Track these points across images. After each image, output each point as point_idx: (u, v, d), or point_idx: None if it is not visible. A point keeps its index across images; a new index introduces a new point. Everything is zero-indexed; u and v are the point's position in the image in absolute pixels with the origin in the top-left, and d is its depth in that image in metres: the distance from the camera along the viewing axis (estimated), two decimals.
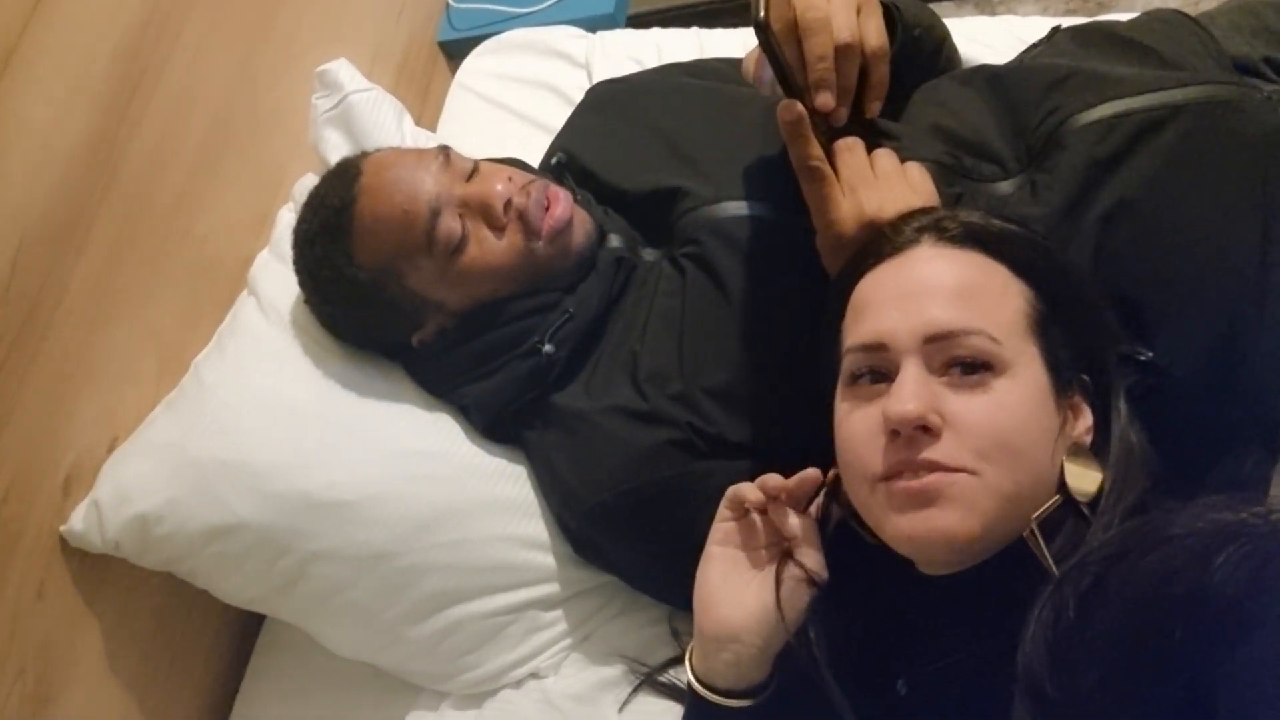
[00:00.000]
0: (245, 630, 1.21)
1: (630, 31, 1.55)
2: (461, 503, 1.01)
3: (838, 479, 0.77)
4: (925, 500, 0.66)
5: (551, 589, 1.03)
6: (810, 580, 0.76)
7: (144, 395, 1.08)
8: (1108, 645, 0.60)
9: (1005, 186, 0.94)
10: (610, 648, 1.04)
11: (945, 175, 0.92)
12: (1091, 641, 0.60)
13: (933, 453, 0.66)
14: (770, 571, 0.77)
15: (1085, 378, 0.75)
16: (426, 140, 1.32)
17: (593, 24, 1.60)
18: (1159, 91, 0.89)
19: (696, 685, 0.78)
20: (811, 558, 0.77)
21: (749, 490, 0.78)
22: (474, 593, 1.02)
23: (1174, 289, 0.88)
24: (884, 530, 0.70)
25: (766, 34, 0.80)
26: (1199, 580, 0.56)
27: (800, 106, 0.81)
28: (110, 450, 1.04)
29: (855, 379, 0.73)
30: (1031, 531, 0.68)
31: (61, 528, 0.99)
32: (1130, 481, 0.71)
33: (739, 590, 0.77)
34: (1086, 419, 0.74)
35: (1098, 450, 0.73)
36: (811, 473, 0.77)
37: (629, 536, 0.96)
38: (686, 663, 0.80)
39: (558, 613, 1.05)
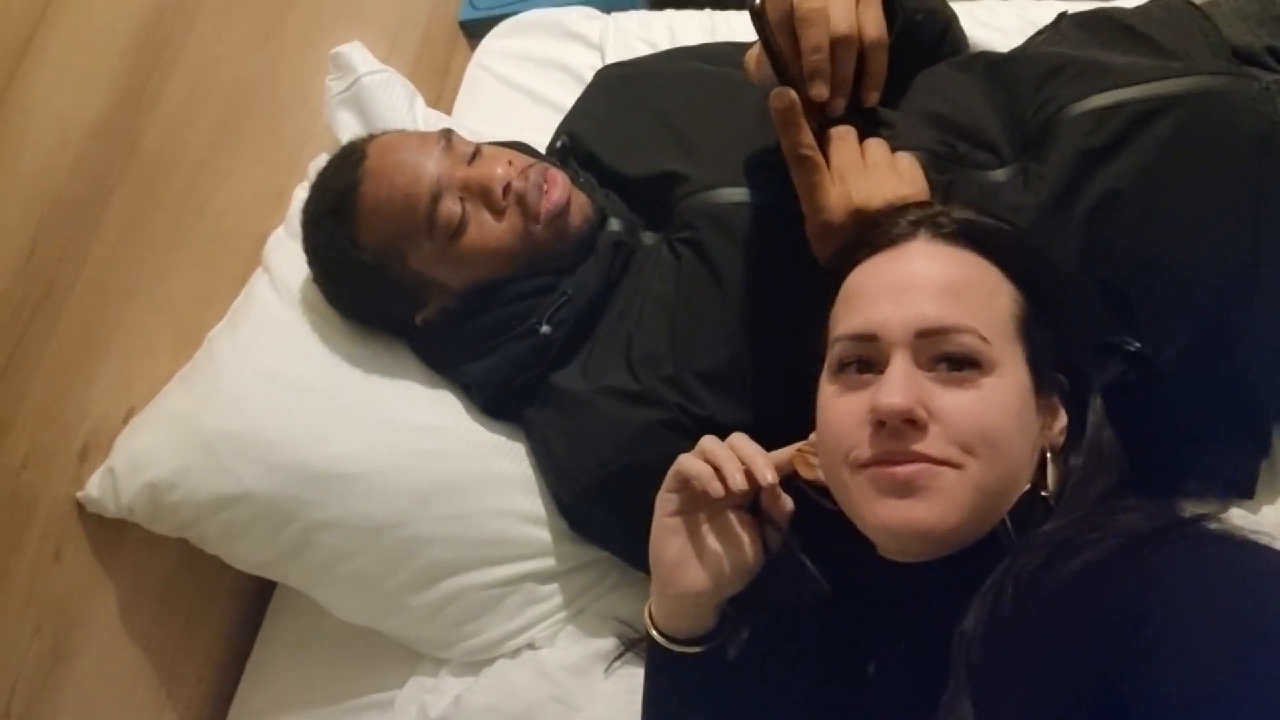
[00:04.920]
0: (257, 594, 1.25)
1: (643, 14, 1.56)
2: (461, 477, 1.04)
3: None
4: (908, 490, 0.67)
5: (548, 563, 1.06)
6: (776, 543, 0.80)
7: (160, 368, 1.12)
8: (1032, 634, 0.61)
9: (999, 175, 0.94)
10: (604, 621, 1.07)
11: (937, 163, 0.93)
12: (1021, 627, 0.62)
13: (918, 445, 0.67)
14: (720, 531, 0.81)
15: (1062, 379, 0.76)
16: (439, 121, 1.34)
17: (613, 4, 1.61)
18: (1153, 82, 0.89)
19: (663, 640, 0.83)
20: (781, 530, 0.81)
21: (702, 474, 0.80)
22: (472, 564, 1.05)
23: (1162, 281, 0.88)
24: (861, 516, 0.71)
25: (762, 22, 0.81)
26: (1117, 585, 0.58)
27: (792, 94, 0.81)
28: (126, 420, 1.08)
29: (843, 367, 0.73)
30: (1003, 523, 0.70)
31: (78, 494, 1.03)
32: (1096, 479, 0.73)
33: (696, 556, 0.81)
34: (1062, 420, 0.75)
35: (1071, 451, 0.75)
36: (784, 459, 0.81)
37: (620, 514, 0.98)
38: (646, 618, 0.84)
39: (554, 586, 1.07)
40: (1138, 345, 0.88)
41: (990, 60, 1.02)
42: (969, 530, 0.69)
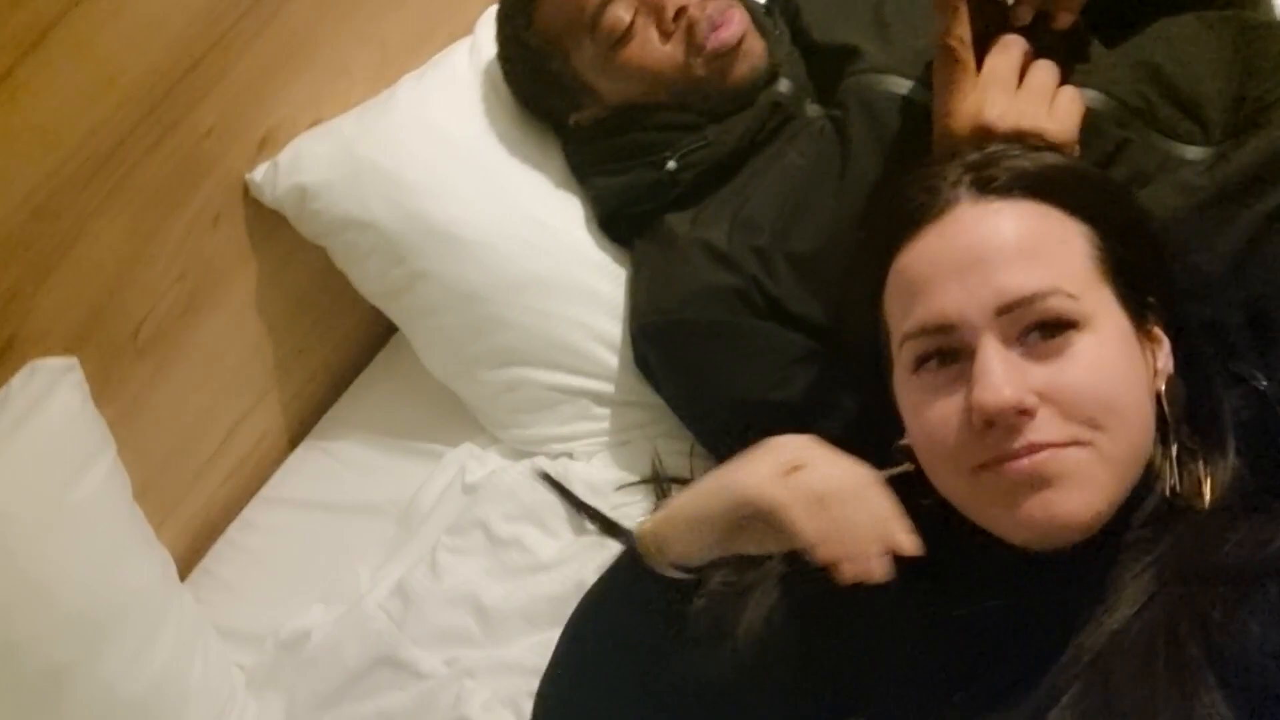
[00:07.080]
0: (385, 323, 1.34)
1: None
2: (557, 277, 1.08)
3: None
4: (1041, 481, 0.60)
5: (608, 388, 1.09)
6: None
7: (354, 94, 1.21)
8: None
9: (1193, 152, 0.83)
10: (642, 457, 1.08)
11: (1120, 115, 0.83)
12: None
13: (1035, 435, 0.60)
14: None
15: (1152, 300, 0.68)
16: None
17: None
18: None
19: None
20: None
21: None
22: (539, 362, 1.10)
23: None
24: (996, 520, 0.64)
25: None
26: None
27: None
28: (307, 128, 1.18)
29: (921, 364, 0.66)
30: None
31: (246, 174, 1.15)
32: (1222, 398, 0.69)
33: None
34: (1165, 345, 0.68)
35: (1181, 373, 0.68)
36: None
37: (667, 362, 0.99)
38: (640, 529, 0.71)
39: (607, 410, 1.10)
40: (1265, 383, 0.77)
41: (1246, 25, 0.87)
42: (1114, 507, 0.63)
